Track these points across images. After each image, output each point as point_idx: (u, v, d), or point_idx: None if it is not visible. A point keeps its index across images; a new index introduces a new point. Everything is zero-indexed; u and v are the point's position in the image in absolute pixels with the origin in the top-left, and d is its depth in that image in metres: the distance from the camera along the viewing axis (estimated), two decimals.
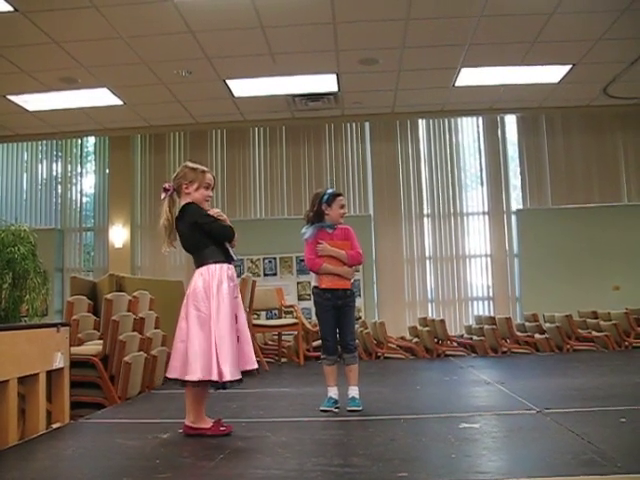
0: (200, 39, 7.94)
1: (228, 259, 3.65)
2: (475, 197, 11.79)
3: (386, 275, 11.42)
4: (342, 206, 4.39)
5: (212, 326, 3.47)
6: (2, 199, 12.14)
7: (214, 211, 3.69)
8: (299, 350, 7.82)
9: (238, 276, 9.47)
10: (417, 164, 11.68)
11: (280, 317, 8.85)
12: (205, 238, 3.60)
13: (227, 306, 3.51)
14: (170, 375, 3.59)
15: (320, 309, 4.38)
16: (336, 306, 4.31)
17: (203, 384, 3.47)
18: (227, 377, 3.42)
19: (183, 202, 3.68)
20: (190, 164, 3.75)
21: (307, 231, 4.40)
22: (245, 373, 3.58)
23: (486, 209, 11.60)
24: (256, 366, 3.68)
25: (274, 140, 11.80)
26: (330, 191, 4.43)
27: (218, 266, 3.58)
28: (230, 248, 3.67)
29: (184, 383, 3.50)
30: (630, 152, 11.45)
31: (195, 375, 3.44)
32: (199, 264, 3.63)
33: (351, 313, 4.40)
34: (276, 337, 8.66)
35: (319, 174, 11.65)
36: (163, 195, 3.70)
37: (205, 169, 3.74)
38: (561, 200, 11.39)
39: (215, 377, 3.42)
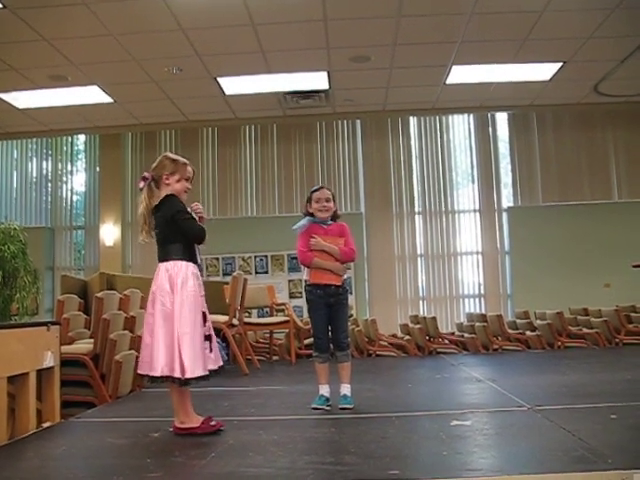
0: (191, 36, 7.92)
1: (193, 259, 3.62)
2: (466, 195, 11.82)
3: (378, 272, 11.43)
4: (318, 200, 4.31)
5: (175, 322, 3.45)
6: None
7: (196, 206, 3.68)
8: (291, 348, 7.81)
9: (229, 274, 9.49)
10: (408, 162, 11.70)
11: (271, 315, 8.82)
12: (177, 233, 3.58)
13: (192, 303, 3.49)
14: (140, 371, 3.59)
15: (312, 306, 4.37)
16: (328, 303, 4.30)
17: (167, 380, 3.45)
18: (188, 374, 3.40)
19: (163, 193, 3.65)
20: (170, 155, 3.74)
21: (299, 222, 4.38)
22: (214, 371, 3.59)
23: (477, 207, 11.63)
24: (221, 363, 3.68)
25: (265, 138, 11.79)
26: (312, 188, 4.44)
27: (184, 263, 3.56)
28: (197, 251, 3.65)
29: (152, 379, 3.50)
30: (620, 150, 11.50)
31: (157, 371, 3.44)
32: (164, 258, 3.60)
33: (343, 311, 4.38)
34: (267, 335, 8.65)
35: (310, 172, 11.65)
36: (142, 184, 3.66)
37: (186, 161, 3.72)
38: (552, 197, 11.43)
39: (177, 374, 3.40)
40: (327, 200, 4.33)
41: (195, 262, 3.64)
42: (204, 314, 3.57)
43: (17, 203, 12.13)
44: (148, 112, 10.70)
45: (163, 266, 3.58)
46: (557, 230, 11.09)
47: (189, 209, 3.66)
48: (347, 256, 4.34)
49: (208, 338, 3.56)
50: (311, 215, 4.37)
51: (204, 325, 3.54)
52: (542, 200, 11.49)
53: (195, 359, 3.43)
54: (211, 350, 3.56)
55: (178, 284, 3.50)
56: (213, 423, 3.50)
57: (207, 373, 3.48)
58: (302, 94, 10.04)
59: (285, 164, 11.72)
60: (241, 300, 7.17)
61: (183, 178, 3.66)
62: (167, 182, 3.64)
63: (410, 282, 11.49)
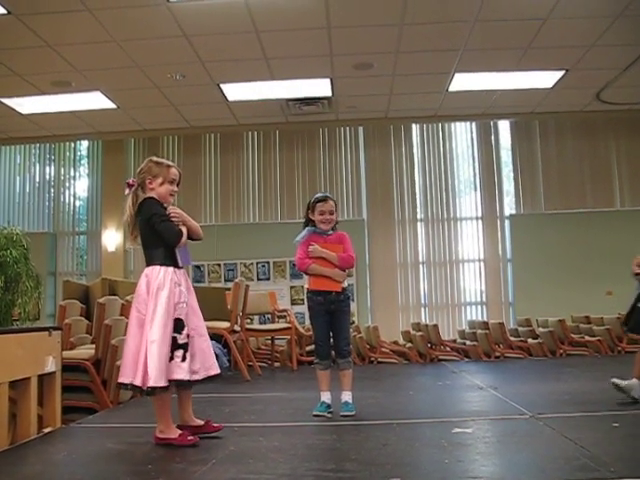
0: (194, 43, 7.94)
1: (175, 264, 3.55)
2: (468, 202, 11.81)
3: (379, 280, 11.42)
4: (322, 212, 4.30)
5: (146, 328, 3.38)
6: None
7: (173, 210, 3.59)
8: (292, 355, 7.80)
9: (230, 280, 9.48)
10: (411, 169, 11.70)
11: (273, 321, 8.83)
12: (156, 238, 3.51)
13: (163, 310, 3.39)
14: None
15: (313, 313, 4.37)
16: (329, 310, 4.29)
17: (132, 388, 3.40)
18: (150, 383, 3.30)
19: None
20: (155, 158, 3.68)
21: (300, 233, 4.39)
22: (209, 378, 3.54)
23: (479, 214, 11.62)
24: (217, 372, 3.60)
25: (268, 144, 11.80)
26: (316, 196, 4.42)
27: (163, 269, 3.49)
28: (178, 253, 3.56)
29: (119, 385, 3.47)
30: (623, 157, 11.50)
31: (125, 378, 3.39)
32: (147, 263, 3.56)
33: (345, 318, 4.37)
34: (269, 341, 8.64)
35: (313, 179, 11.66)
36: (127, 191, 3.63)
37: (170, 163, 3.66)
38: (554, 205, 11.42)
39: (138, 382, 3.33)
40: (331, 213, 4.32)
41: (177, 267, 3.56)
42: (180, 322, 3.45)
43: (20, 208, 12.16)
44: (151, 118, 10.72)
45: (144, 272, 3.54)
46: (559, 238, 11.08)
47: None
48: (345, 262, 4.34)
49: (182, 347, 3.42)
50: (312, 222, 4.37)
51: (179, 333, 3.43)
52: (544, 208, 11.48)
53: (161, 368, 3.32)
54: (184, 359, 3.41)
55: (153, 290, 3.43)
56: (190, 438, 3.38)
57: (167, 384, 3.35)
58: (305, 101, 10.06)
59: (287, 170, 11.73)
60: (243, 306, 7.17)
61: (167, 181, 3.59)
62: (151, 186, 3.59)
63: (412, 289, 11.47)
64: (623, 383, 4.39)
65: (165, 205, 3.61)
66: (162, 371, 3.32)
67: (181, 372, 3.40)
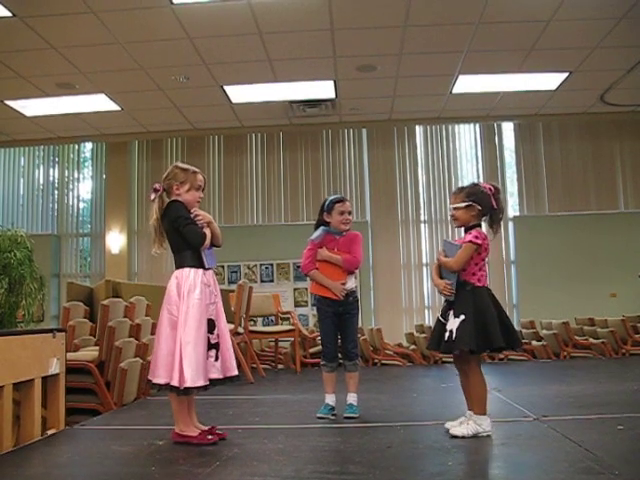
0: (198, 45, 7.95)
1: (203, 265, 3.59)
2: None
3: (383, 281, 11.41)
4: (342, 212, 4.32)
5: (179, 330, 3.43)
6: None
7: (198, 212, 3.62)
8: (296, 357, 7.80)
9: (234, 282, 9.48)
10: (414, 170, 11.69)
11: (277, 323, 8.83)
12: (182, 240, 3.55)
13: (196, 311, 3.45)
14: (148, 376, 3.59)
15: (321, 315, 4.37)
16: (337, 313, 4.29)
17: (167, 388, 3.43)
18: (187, 383, 3.36)
19: None
20: (180, 164, 3.70)
21: (315, 232, 4.39)
22: (227, 380, 3.57)
23: None
24: (236, 373, 3.65)
25: (271, 146, 11.81)
26: (331, 198, 4.40)
27: (193, 270, 3.53)
28: (204, 255, 3.59)
29: (154, 385, 3.51)
30: (627, 159, 11.47)
31: (160, 379, 3.44)
32: (176, 266, 3.60)
33: (353, 321, 4.37)
34: (273, 343, 8.64)
35: (316, 180, 11.66)
36: (153, 196, 3.64)
37: (196, 170, 3.68)
38: (558, 207, 11.40)
39: (175, 382, 3.38)
40: (349, 213, 4.37)
41: (205, 268, 3.59)
42: (211, 322, 3.53)
43: (24, 210, 12.18)
44: (155, 120, 10.73)
45: (173, 274, 3.59)
46: (563, 240, 11.06)
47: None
48: (349, 264, 4.34)
49: (214, 346, 3.51)
50: (326, 223, 4.38)
51: (211, 333, 3.51)
52: (548, 210, 11.47)
53: (197, 368, 3.39)
54: (217, 359, 3.52)
55: (184, 292, 3.48)
56: (210, 437, 3.44)
57: (207, 383, 3.44)
58: (308, 103, 10.06)
59: (291, 172, 11.73)
60: (246, 308, 7.17)
61: (193, 187, 3.61)
62: (177, 192, 3.60)
63: (416, 291, 11.46)
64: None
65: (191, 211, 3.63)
66: (199, 371, 3.40)
67: (215, 371, 3.51)
